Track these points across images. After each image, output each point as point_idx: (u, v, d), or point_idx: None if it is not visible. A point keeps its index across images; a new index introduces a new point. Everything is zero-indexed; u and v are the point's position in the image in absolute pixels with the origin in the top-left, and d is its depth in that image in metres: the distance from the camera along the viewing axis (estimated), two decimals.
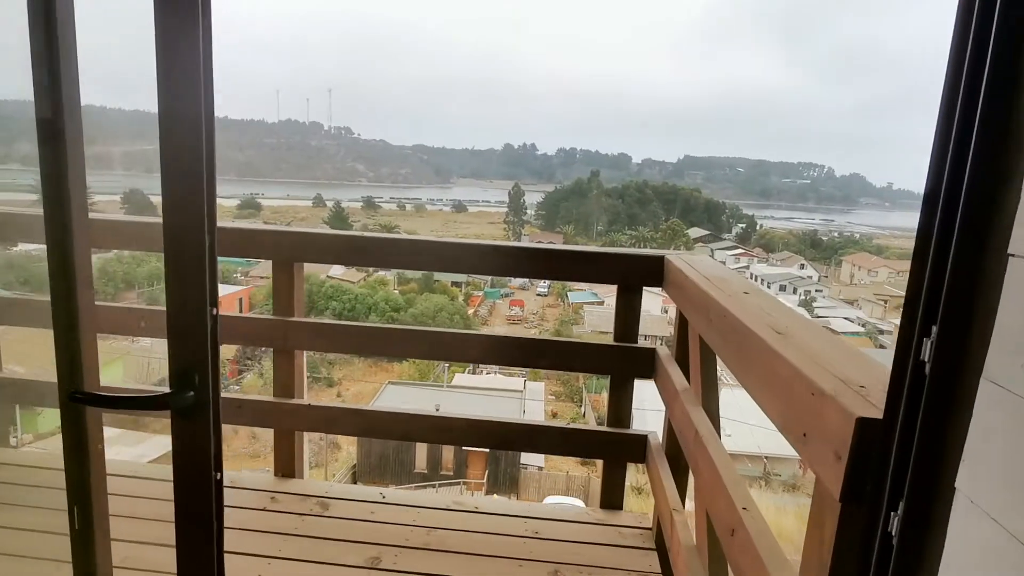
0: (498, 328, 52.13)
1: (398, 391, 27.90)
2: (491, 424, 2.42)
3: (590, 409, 33.58)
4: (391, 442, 26.42)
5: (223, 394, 2.63)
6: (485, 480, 25.16)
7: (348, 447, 29.57)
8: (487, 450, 25.75)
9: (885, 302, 72.05)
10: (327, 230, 4.04)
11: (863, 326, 57.61)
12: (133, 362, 27.91)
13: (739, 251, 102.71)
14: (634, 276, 2.26)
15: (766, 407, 1.13)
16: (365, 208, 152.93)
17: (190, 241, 1.01)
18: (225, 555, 2.12)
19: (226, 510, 2.35)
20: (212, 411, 1.10)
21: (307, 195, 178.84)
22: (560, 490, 24.84)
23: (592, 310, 53.24)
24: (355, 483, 25.76)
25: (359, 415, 2.43)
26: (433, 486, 25.06)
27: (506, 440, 2.41)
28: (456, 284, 67.46)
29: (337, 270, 67.54)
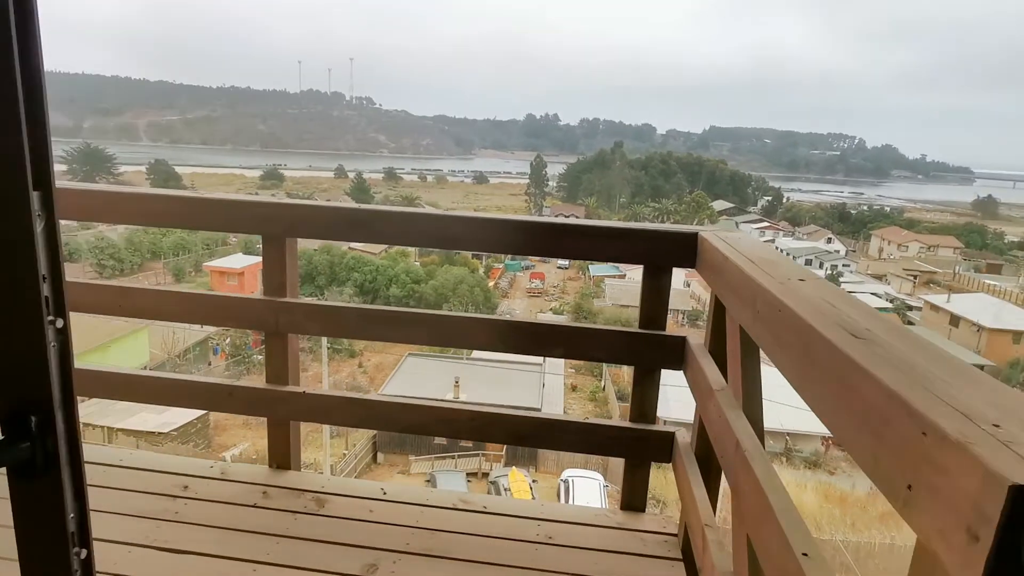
0: (518, 301, 51.96)
1: (419, 363, 27.99)
2: (502, 418, 2.20)
3: (610, 383, 33.43)
4: None
5: (216, 380, 2.46)
6: (504, 452, 25.27)
7: None
8: None
9: (915, 277, 70.46)
10: (321, 202, 3.59)
11: (891, 302, 56.44)
12: (157, 333, 28.36)
13: (764, 224, 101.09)
14: (663, 255, 2.00)
15: (844, 438, 0.85)
16: (386, 179, 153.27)
17: (4, 224, 0.72)
18: (208, 559, 1.96)
19: (215, 506, 2.21)
20: (70, 467, 0.79)
21: (329, 166, 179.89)
22: (579, 463, 24.86)
23: (613, 283, 52.74)
24: (376, 453, 26.04)
25: (358, 404, 2.22)
26: (452, 457, 25.25)
27: (519, 435, 2.19)
28: (476, 256, 67.40)
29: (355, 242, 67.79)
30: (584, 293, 55.49)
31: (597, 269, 62.84)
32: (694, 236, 1.93)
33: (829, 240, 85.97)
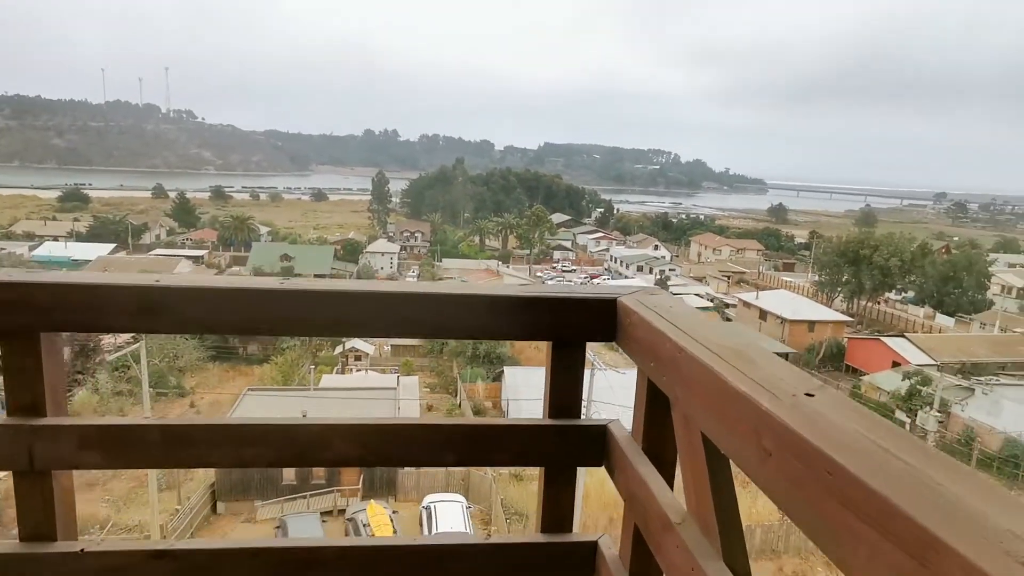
0: None
1: (260, 400, 25.61)
2: (384, 551, 1.67)
3: (465, 399, 33.21)
4: None
5: None
6: (360, 485, 23.92)
7: None
8: None
9: (728, 278, 78.69)
10: (98, 277, 1.40)
11: (711, 301, 62.47)
12: None
13: (599, 234, 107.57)
14: (573, 328, 1.60)
15: None
16: (214, 198, 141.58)
17: None
18: None
19: None
20: None
21: (146, 185, 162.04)
22: (440, 487, 24.17)
23: None
24: (215, 503, 23.30)
25: (172, 559, 1.56)
26: (304, 496, 23.38)
27: (407, 572, 1.65)
28: (320, 276, 64.17)
29: (184, 267, 61.52)
30: None
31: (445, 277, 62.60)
32: (612, 303, 1.55)
33: (656, 247, 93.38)
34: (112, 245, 70.17)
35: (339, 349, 38.72)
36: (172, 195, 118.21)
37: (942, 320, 57.24)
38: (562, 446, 1.63)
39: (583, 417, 1.68)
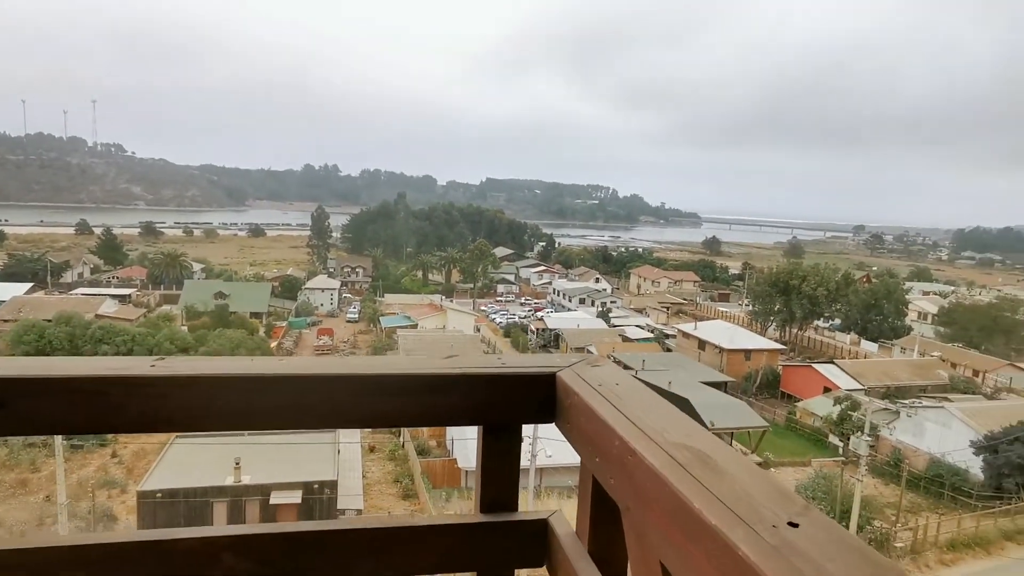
0: None
1: (189, 448, 24.13)
2: None
3: (409, 439, 32.34)
4: (181, 500, 22.67)
5: None
6: None
7: (127, 516, 25.05)
8: (298, 500, 23.25)
9: (667, 309, 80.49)
10: None
11: (652, 332, 63.61)
12: None
13: (542, 268, 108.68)
14: (506, 409, 1.39)
15: None
16: (144, 235, 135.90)
17: None
18: None
19: None
20: None
21: (69, 221, 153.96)
22: None
23: (406, 334, 51.80)
24: None
25: None
26: None
27: None
28: (256, 315, 61.72)
29: (109, 306, 58.25)
30: (376, 347, 53.74)
31: (389, 320, 61.46)
32: (551, 377, 1.36)
33: (597, 280, 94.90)
34: (29, 284, 65.89)
35: None
36: (97, 231, 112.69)
37: (867, 346, 60.00)
38: (497, 546, 1.41)
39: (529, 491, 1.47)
